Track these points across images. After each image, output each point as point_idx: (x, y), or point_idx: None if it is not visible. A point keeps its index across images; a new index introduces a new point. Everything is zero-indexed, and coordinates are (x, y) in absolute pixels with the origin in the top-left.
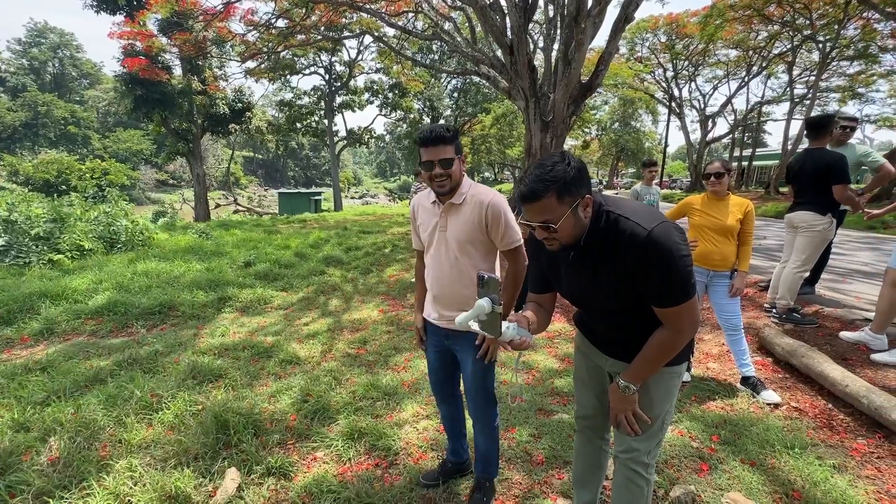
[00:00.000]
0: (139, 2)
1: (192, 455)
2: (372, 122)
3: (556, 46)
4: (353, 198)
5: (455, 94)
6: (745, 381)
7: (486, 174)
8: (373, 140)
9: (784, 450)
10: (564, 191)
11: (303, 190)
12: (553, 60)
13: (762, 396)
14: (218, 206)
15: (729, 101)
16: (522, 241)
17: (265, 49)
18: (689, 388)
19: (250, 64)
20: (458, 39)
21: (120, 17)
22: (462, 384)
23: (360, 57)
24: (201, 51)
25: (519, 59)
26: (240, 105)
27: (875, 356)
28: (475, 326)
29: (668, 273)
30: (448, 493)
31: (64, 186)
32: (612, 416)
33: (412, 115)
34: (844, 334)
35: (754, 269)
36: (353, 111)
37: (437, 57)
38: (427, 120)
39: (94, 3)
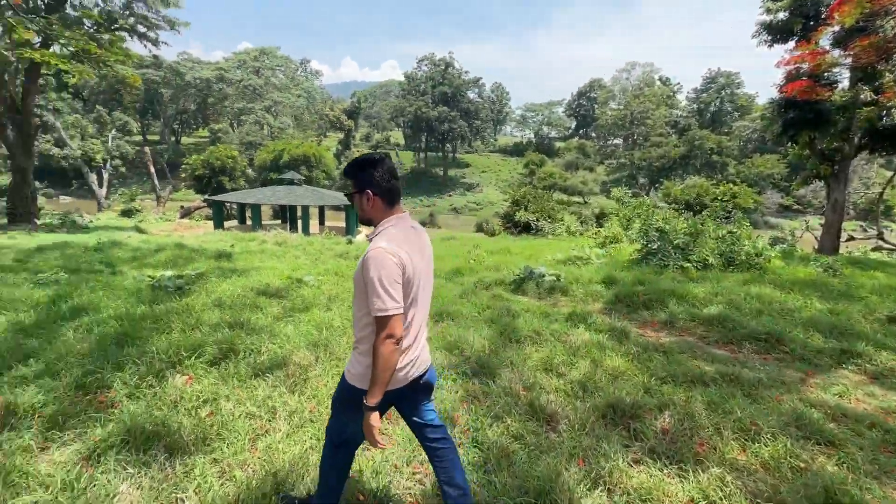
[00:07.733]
0: (815, 22)
1: None
2: None
3: None
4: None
5: None
6: None
7: None
8: None
9: None
10: None
11: None
12: None
13: None
14: (851, 238)
15: None
16: (394, 316)
17: None
18: None
19: None
20: None
21: (791, 44)
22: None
23: None
24: (886, 53)
25: None
26: None
27: None
28: None
29: None
30: None
31: (698, 206)
32: None
33: None
34: None
35: None
36: None
37: None
38: None
39: (768, 38)
